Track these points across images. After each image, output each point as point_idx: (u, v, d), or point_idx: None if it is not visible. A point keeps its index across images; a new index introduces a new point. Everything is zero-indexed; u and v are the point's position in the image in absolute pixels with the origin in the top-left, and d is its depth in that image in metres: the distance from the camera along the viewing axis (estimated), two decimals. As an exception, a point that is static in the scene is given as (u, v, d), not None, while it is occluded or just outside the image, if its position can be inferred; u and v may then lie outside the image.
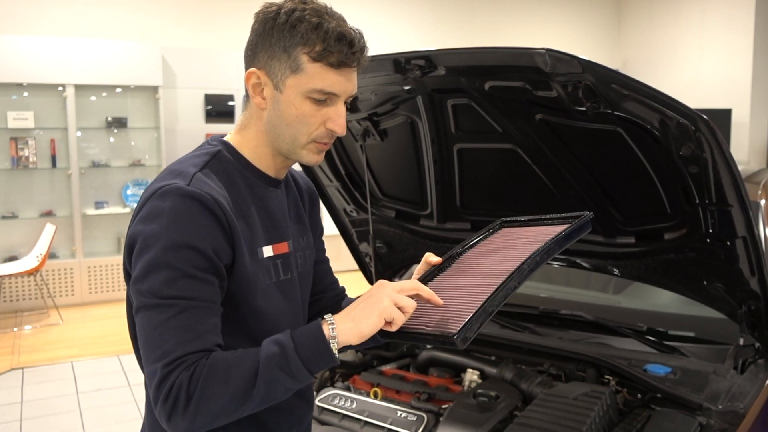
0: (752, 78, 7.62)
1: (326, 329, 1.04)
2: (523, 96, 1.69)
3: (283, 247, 1.23)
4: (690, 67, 8.27)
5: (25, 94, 6.16)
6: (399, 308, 1.06)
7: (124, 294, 1.26)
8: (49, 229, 5.85)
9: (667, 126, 1.54)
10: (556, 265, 2.30)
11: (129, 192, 6.60)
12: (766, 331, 1.82)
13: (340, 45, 1.09)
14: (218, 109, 6.87)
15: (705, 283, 1.88)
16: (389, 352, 2.26)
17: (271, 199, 1.23)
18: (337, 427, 1.86)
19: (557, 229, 1.24)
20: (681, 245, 1.85)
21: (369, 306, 1.06)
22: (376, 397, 1.95)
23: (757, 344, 1.86)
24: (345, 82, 1.13)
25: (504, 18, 8.61)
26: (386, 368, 2.17)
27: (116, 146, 6.56)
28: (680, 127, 1.52)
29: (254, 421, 1.18)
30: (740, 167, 1.59)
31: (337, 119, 1.14)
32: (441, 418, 1.76)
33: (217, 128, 6.76)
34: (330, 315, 1.07)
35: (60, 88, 6.14)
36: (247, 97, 1.20)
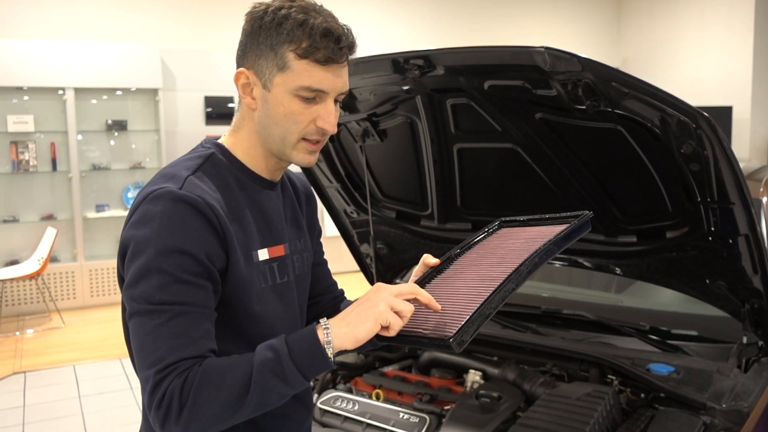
0: (753, 75, 7.60)
1: (321, 334, 1.02)
2: (523, 95, 1.68)
3: (279, 250, 1.22)
4: (690, 65, 8.26)
5: (25, 97, 6.17)
6: (396, 312, 1.04)
7: (125, 297, 1.25)
8: (50, 232, 5.86)
9: (667, 124, 1.53)
10: (557, 265, 2.29)
11: (130, 195, 6.61)
12: (770, 329, 1.81)
13: (327, 41, 1.08)
14: (218, 111, 6.87)
15: (707, 281, 1.87)
16: (391, 353, 2.25)
17: (266, 201, 1.21)
18: (339, 429, 1.85)
19: (556, 229, 1.23)
20: (683, 243, 1.84)
21: (365, 310, 1.04)
22: (378, 398, 1.95)
23: (761, 342, 1.85)
24: (333, 79, 1.11)
25: (503, 17, 8.61)
26: (388, 369, 2.16)
27: (116, 149, 6.57)
28: (681, 125, 1.51)
29: (252, 426, 1.17)
30: (741, 164, 1.58)
31: (327, 117, 1.12)
32: (443, 420, 1.75)
33: (218, 130, 6.75)
34: (325, 319, 1.05)
35: (60, 92, 6.15)
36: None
